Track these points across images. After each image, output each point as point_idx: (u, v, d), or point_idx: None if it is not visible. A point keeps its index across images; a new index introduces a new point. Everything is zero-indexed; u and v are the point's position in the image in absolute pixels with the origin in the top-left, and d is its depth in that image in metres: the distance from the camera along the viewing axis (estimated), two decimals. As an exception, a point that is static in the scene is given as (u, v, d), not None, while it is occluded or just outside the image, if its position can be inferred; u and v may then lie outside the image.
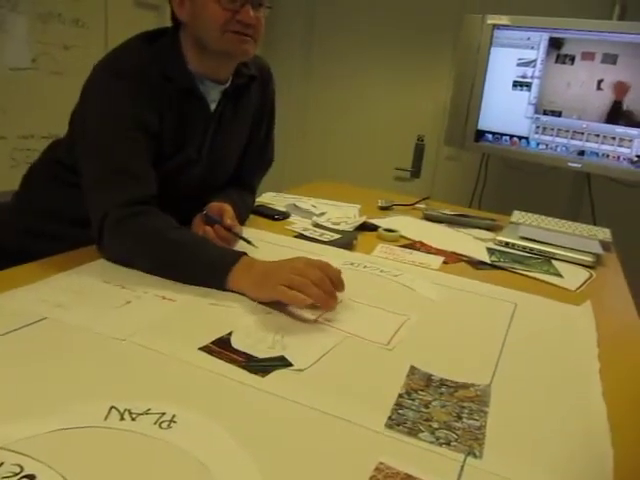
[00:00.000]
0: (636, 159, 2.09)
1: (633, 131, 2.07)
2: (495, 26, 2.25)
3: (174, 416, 0.56)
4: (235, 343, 0.73)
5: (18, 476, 0.46)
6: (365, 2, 2.97)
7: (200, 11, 1.03)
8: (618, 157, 2.11)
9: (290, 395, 0.62)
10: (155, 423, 0.55)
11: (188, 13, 1.05)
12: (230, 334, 0.75)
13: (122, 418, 0.55)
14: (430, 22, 2.85)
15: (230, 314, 0.82)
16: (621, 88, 2.09)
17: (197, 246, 0.95)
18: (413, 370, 0.71)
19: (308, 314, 0.84)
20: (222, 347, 0.71)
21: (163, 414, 0.56)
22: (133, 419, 0.55)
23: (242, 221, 1.27)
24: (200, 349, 0.70)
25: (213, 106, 1.16)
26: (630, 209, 2.37)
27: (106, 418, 0.55)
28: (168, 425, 0.55)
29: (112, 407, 0.57)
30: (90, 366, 0.65)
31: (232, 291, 0.89)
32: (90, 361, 0.66)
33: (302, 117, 3.18)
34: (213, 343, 0.72)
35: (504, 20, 2.22)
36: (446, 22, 2.79)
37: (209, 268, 0.92)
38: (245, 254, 0.93)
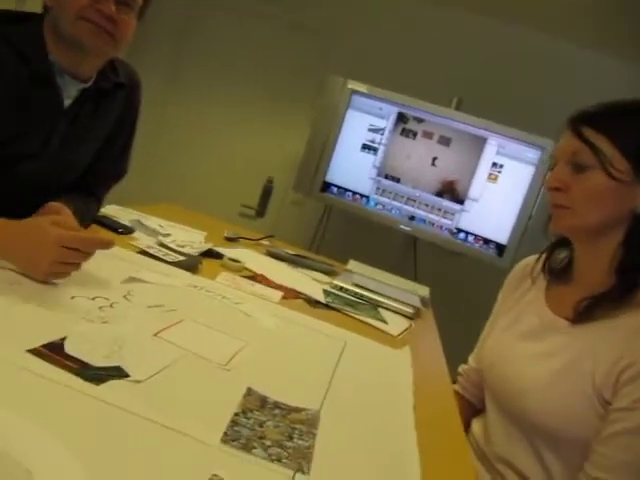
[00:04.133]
0: (455, 231, 2.38)
1: (456, 206, 2.37)
2: (353, 91, 2.45)
3: (-6, 417, 0.52)
4: (69, 349, 0.69)
5: None
6: (238, 40, 3.05)
7: None
8: (441, 227, 2.39)
9: (125, 405, 0.60)
10: (-29, 422, 0.50)
11: None
12: (64, 339, 0.71)
13: None
14: (296, 74, 3.01)
15: (65, 319, 0.77)
16: (450, 168, 2.39)
17: None
18: (249, 391, 0.73)
19: (147, 329, 0.81)
20: (54, 352, 0.67)
21: (-19, 414, 0.52)
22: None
23: (83, 228, 1.21)
24: (29, 351, 0.65)
25: (68, 102, 1.11)
26: (446, 273, 2.67)
27: None
28: (-14, 426, 0.50)
29: None
30: None
31: None
32: None
33: (157, 136, 3.11)
34: (44, 347, 0.67)
35: (362, 88, 2.44)
36: (311, 76, 2.97)
37: None
38: None
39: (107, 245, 0.87)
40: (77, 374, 0.63)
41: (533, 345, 1.02)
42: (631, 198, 0.92)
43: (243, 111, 3.08)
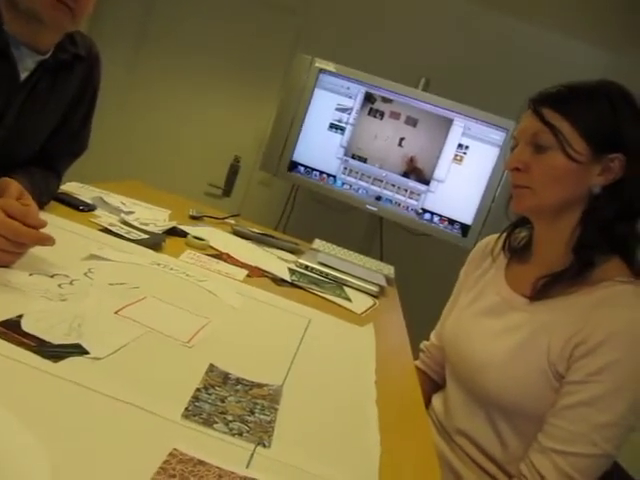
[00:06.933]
0: (421, 211, 2.40)
1: (421, 187, 2.39)
2: (321, 70, 2.43)
3: (-54, 394, 0.51)
4: (26, 327, 0.67)
5: None
6: (207, 15, 2.98)
7: None
8: (407, 207, 2.41)
9: (84, 382, 0.60)
10: None
11: None
12: (20, 317, 0.69)
13: None
14: (265, 52, 2.96)
15: (21, 297, 0.76)
16: (417, 148, 2.41)
17: None
18: (212, 368, 0.73)
19: (109, 307, 0.81)
20: (10, 329, 0.65)
21: None
22: None
23: (42, 205, 1.18)
24: (-18, 328, 0.64)
25: (25, 74, 1.08)
26: (412, 252, 2.70)
27: None
28: (-62, 403, 0.49)
29: None
30: None
31: None
32: None
33: (120, 111, 3.03)
34: (-1, 324, 0.66)
35: (330, 67, 2.42)
36: (280, 55, 2.92)
37: None
38: None
39: (45, 242, 0.82)
40: (34, 351, 0.62)
41: (493, 322, 1.04)
42: (588, 178, 0.94)
43: (210, 89, 3.03)
